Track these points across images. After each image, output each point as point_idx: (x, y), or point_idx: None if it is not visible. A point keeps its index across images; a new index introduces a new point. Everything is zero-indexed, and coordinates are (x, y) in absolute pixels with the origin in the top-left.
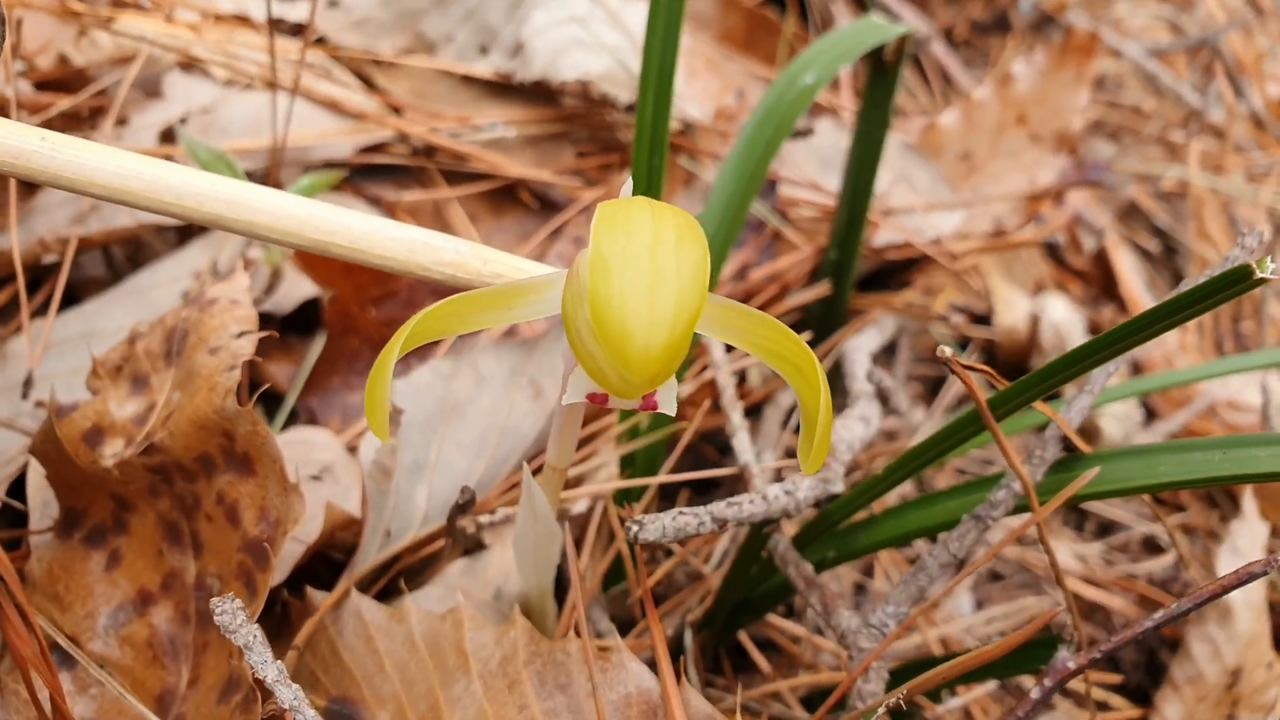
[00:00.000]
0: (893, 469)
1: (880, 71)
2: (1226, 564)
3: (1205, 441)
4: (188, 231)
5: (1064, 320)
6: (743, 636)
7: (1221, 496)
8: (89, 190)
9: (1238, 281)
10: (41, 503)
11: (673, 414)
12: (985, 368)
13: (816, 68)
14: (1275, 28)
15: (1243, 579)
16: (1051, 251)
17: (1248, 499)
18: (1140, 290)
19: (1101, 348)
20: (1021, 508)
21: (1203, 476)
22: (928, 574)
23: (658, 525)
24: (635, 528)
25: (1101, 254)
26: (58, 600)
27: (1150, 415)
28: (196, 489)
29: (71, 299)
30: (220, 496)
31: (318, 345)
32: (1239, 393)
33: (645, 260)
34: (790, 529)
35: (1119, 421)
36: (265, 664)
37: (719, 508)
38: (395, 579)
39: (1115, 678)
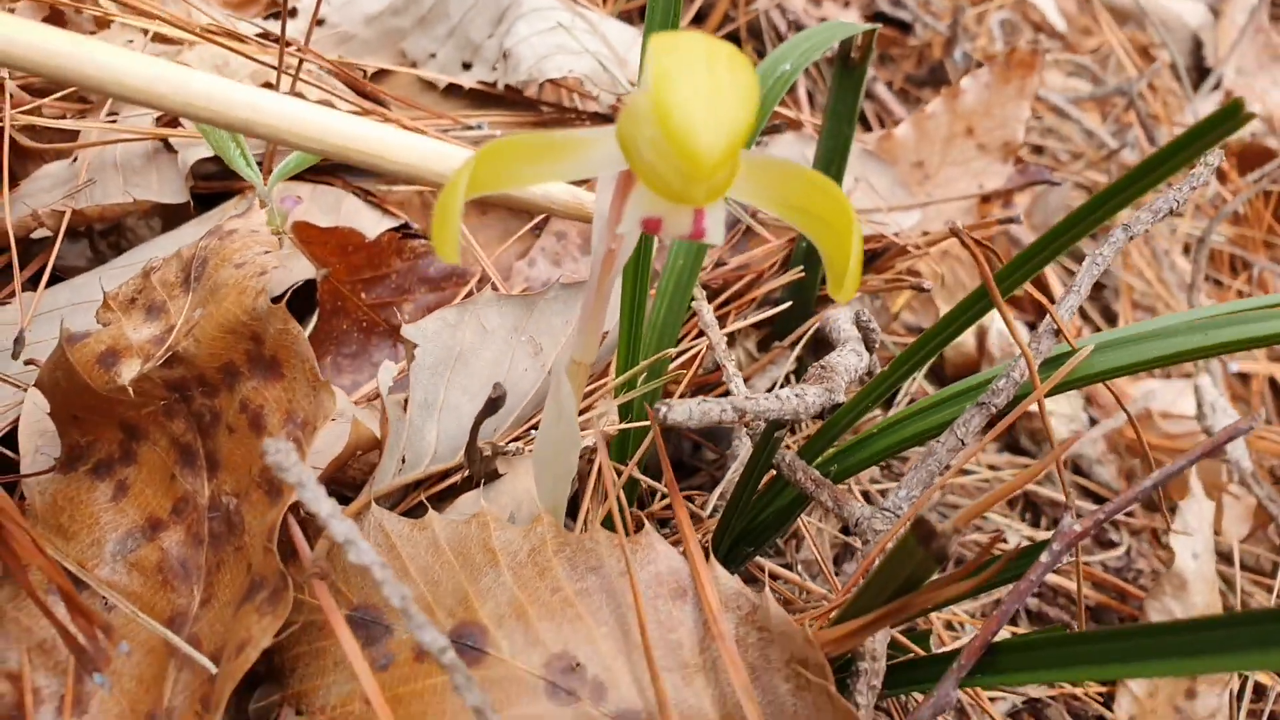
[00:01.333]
0: (898, 362)
1: (847, 68)
2: (1178, 541)
3: (1184, 326)
4: (174, 218)
5: (1011, 342)
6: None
7: (1167, 498)
8: (123, 93)
9: (1232, 115)
10: (34, 449)
11: (719, 242)
12: (990, 246)
13: (792, 58)
14: (1173, 100)
15: (1231, 435)
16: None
17: (1194, 481)
18: (1077, 317)
19: (1095, 208)
20: (1020, 398)
21: (1186, 349)
22: (937, 459)
23: (684, 408)
24: (664, 409)
25: (1040, 280)
26: (61, 531)
27: (1092, 422)
28: (216, 403)
29: (56, 282)
30: (244, 404)
31: (309, 328)
32: (1173, 403)
33: (705, 74)
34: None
35: (1066, 421)
36: (318, 500)
37: (738, 400)
38: (414, 508)
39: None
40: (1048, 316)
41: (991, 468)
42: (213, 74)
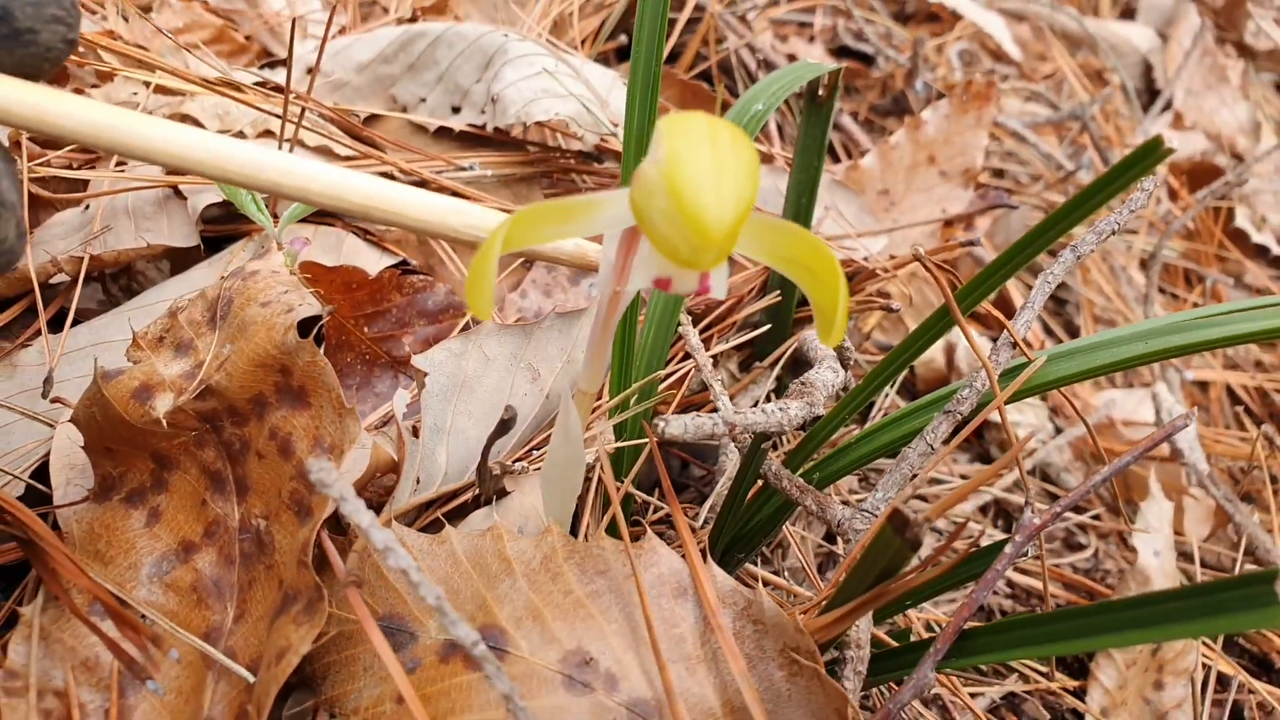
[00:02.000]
0: (870, 377)
1: (815, 106)
2: (1140, 540)
3: (1129, 335)
4: (183, 261)
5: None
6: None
7: (1124, 504)
8: (162, 160)
9: (1150, 153)
10: (66, 481)
11: (723, 296)
12: (950, 269)
13: (764, 98)
14: (1126, 124)
15: (1169, 432)
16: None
17: (1154, 482)
18: (1040, 330)
19: (1044, 231)
20: (982, 404)
21: (1133, 356)
22: (910, 464)
23: (680, 423)
24: (662, 424)
25: (1003, 297)
26: (99, 557)
27: (1058, 431)
28: (246, 432)
29: (73, 325)
30: (273, 432)
31: None
32: (1134, 411)
33: (710, 154)
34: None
35: (1035, 431)
36: (358, 511)
37: (728, 414)
38: (429, 525)
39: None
40: (1005, 331)
41: (963, 477)
42: (219, 124)
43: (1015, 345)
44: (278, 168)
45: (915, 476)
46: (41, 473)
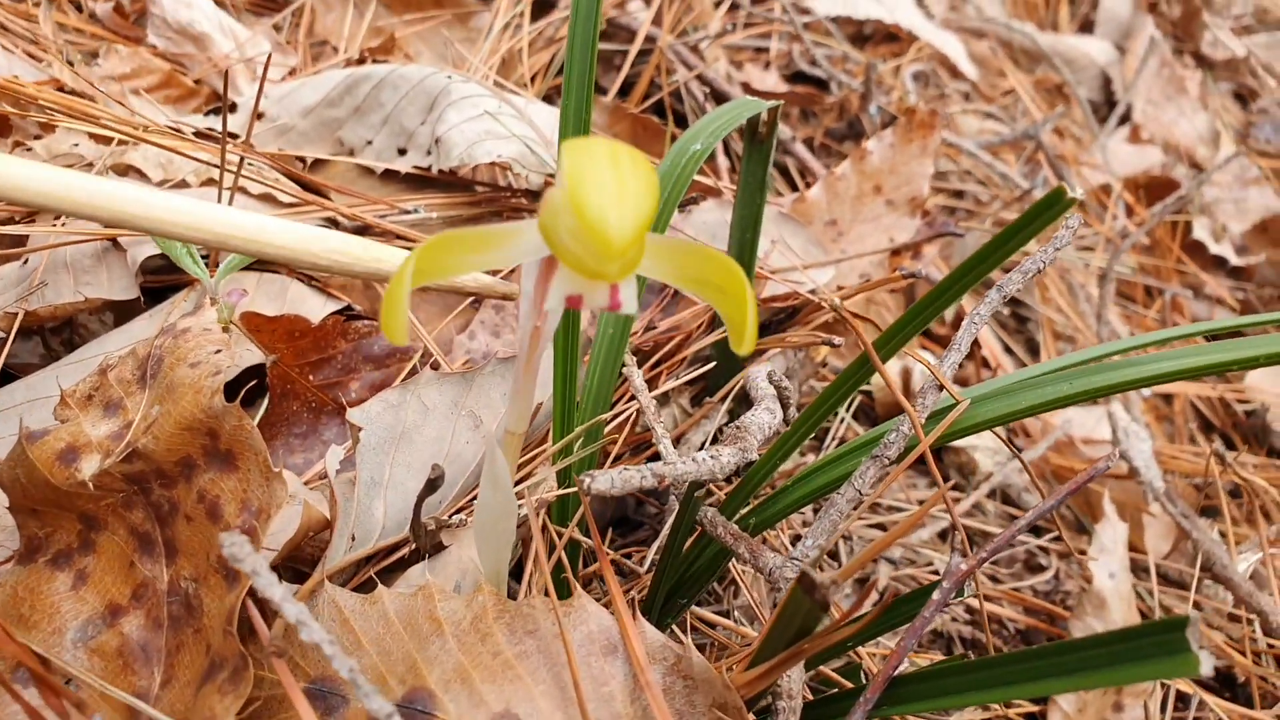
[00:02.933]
0: (798, 424)
1: (756, 142)
2: (1096, 560)
3: (1055, 377)
4: (126, 314)
5: (896, 389)
6: (678, 631)
7: (1088, 521)
8: (112, 219)
9: (1055, 202)
10: None
11: (634, 312)
12: (869, 318)
13: (703, 137)
14: (1085, 135)
15: (1093, 474)
16: None
17: (1108, 504)
18: (999, 350)
19: (961, 276)
20: (909, 449)
21: (1057, 397)
22: (838, 510)
23: (607, 478)
24: (588, 480)
25: (960, 320)
26: (23, 621)
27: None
28: (174, 494)
29: (9, 380)
30: (201, 495)
31: (261, 410)
32: (1093, 429)
33: (610, 172)
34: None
35: (991, 454)
36: (271, 586)
37: (657, 466)
38: (363, 584)
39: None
40: (930, 375)
41: (919, 502)
42: (162, 174)
43: (941, 388)
44: (157, 205)
45: (844, 522)
46: None
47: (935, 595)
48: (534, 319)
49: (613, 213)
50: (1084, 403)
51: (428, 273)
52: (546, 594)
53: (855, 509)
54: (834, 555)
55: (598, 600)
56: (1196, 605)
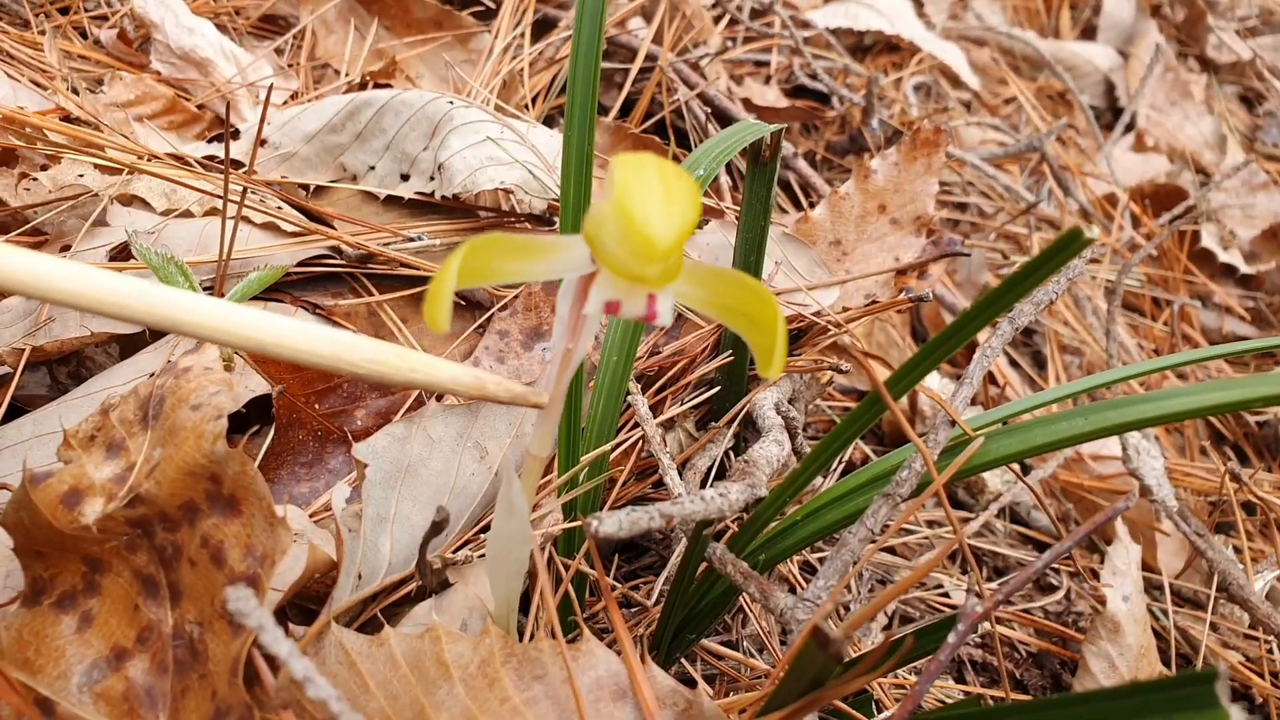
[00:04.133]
0: (808, 461)
1: (759, 165)
2: (1109, 581)
3: (1069, 413)
4: (131, 346)
5: (940, 390)
6: (687, 665)
7: (1099, 540)
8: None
9: (1072, 242)
10: (3, 574)
11: (668, 323)
12: (880, 356)
13: (705, 163)
14: (1089, 142)
15: (1110, 515)
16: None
17: (1120, 525)
18: (1005, 364)
19: (975, 316)
20: (922, 486)
21: (1070, 435)
22: (850, 550)
23: (614, 520)
24: (595, 523)
25: (973, 346)
26: (27, 665)
27: (1026, 470)
28: (178, 538)
29: (18, 414)
30: (205, 540)
31: (267, 439)
32: (1102, 446)
33: (657, 183)
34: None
35: (999, 472)
36: (278, 641)
37: (665, 506)
38: (369, 622)
39: (1024, 698)
40: (942, 411)
41: (930, 524)
42: (166, 203)
43: (954, 423)
44: (201, 311)
45: (857, 563)
46: None
47: (951, 638)
48: (567, 340)
49: (658, 215)
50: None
51: (473, 273)
52: (555, 634)
53: (867, 549)
54: (845, 585)
55: (607, 634)
56: (1213, 626)
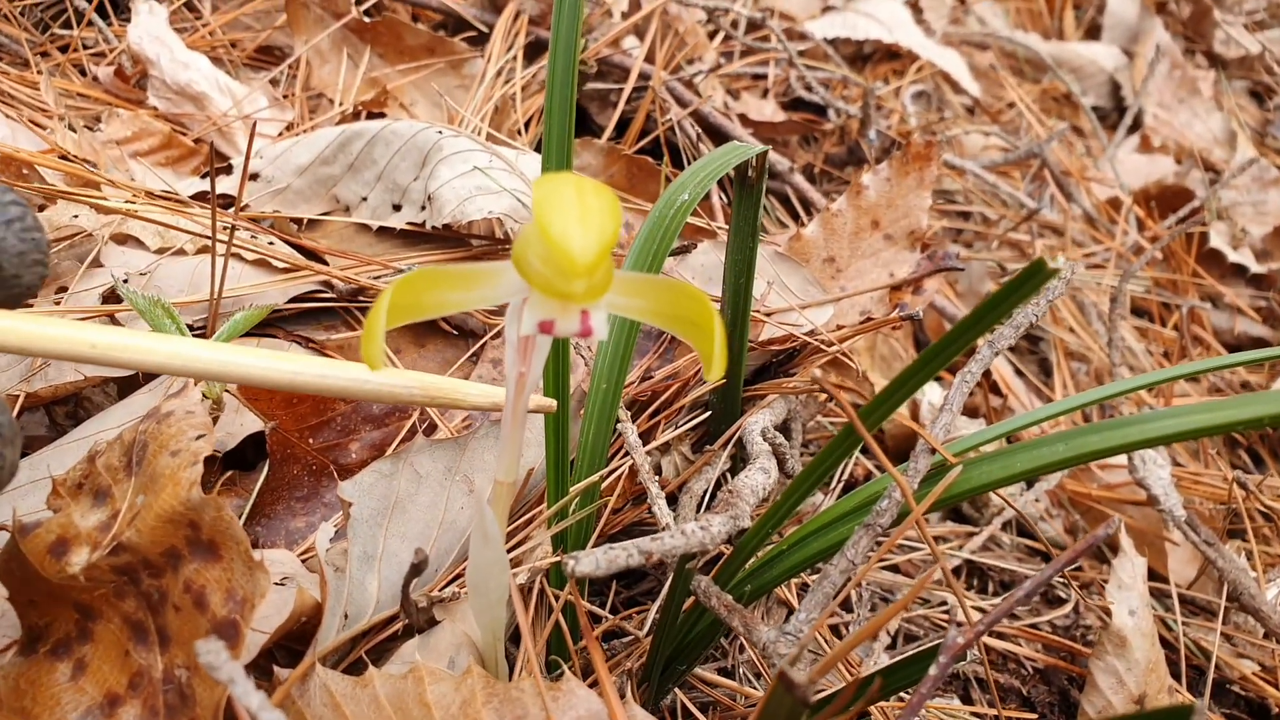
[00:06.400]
0: (788, 493)
1: (746, 187)
2: (1114, 595)
3: (1049, 438)
4: (129, 386)
5: (939, 403)
6: (679, 694)
7: (1107, 550)
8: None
9: (1035, 274)
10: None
11: (603, 337)
12: (853, 387)
13: (690, 187)
14: (1094, 144)
15: (1091, 543)
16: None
17: (1124, 538)
18: (1010, 374)
19: (945, 347)
20: (903, 515)
21: (1051, 461)
22: (831, 581)
23: (591, 559)
24: (571, 563)
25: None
26: (25, 714)
27: (1030, 482)
28: (163, 583)
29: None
30: (187, 585)
31: (262, 476)
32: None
33: (574, 196)
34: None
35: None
36: (249, 694)
37: (644, 542)
38: (357, 661)
39: (1031, 717)
40: (921, 440)
41: (937, 539)
42: (160, 242)
43: (934, 451)
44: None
45: (838, 594)
46: None
47: (933, 671)
48: (519, 365)
49: (575, 230)
50: (1083, 463)
51: (405, 308)
52: (535, 672)
53: (849, 581)
54: (846, 605)
55: (592, 673)
56: (1226, 636)
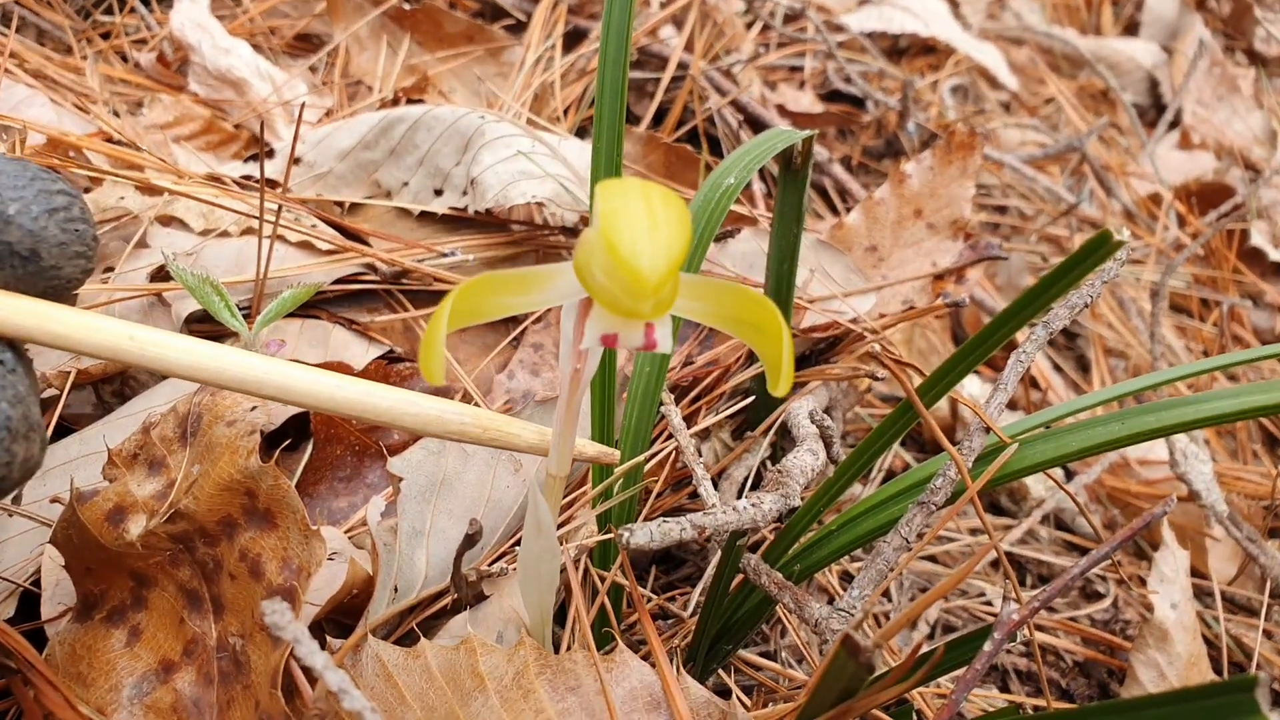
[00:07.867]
0: (841, 470)
1: (790, 172)
2: (1156, 589)
3: (1105, 418)
4: None
5: (980, 395)
6: (724, 676)
7: (1146, 546)
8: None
9: (1100, 247)
10: (53, 598)
11: (668, 350)
12: (912, 363)
13: (736, 171)
14: (1133, 140)
15: (1146, 521)
16: (961, 341)
17: (1167, 531)
18: (1048, 368)
19: (1007, 320)
20: (957, 494)
21: (1106, 440)
22: (885, 559)
23: (645, 531)
24: (626, 535)
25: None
26: (81, 679)
27: (1070, 475)
28: (218, 552)
29: (65, 433)
30: (243, 553)
31: (306, 455)
32: (1149, 450)
33: (643, 210)
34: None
35: (1042, 478)
36: (313, 654)
37: (697, 517)
38: (406, 635)
39: (1070, 707)
40: (978, 418)
41: (973, 532)
42: (204, 224)
43: (988, 430)
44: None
45: (892, 572)
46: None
47: (987, 647)
48: (573, 361)
49: (645, 249)
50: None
51: (466, 314)
52: (588, 646)
53: (903, 557)
54: (885, 593)
55: (642, 645)
56: (1267, 633)
